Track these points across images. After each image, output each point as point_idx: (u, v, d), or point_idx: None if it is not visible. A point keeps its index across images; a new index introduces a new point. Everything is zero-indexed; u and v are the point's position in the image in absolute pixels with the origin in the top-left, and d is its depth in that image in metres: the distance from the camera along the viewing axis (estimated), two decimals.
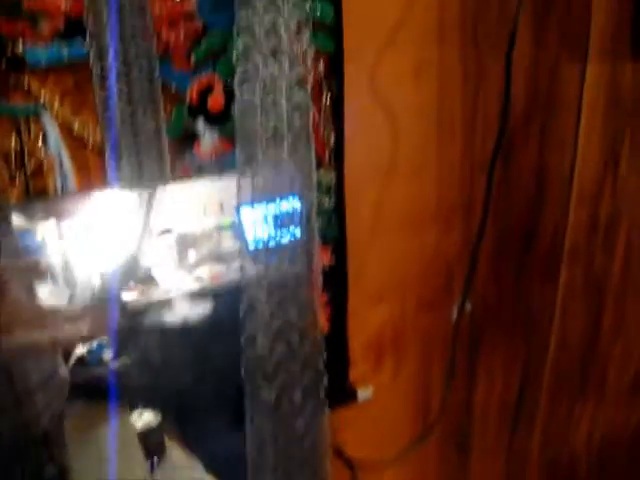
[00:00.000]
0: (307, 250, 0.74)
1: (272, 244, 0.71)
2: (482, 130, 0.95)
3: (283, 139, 0.70)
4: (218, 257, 0.81)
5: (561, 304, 1.00)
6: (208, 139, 0.79)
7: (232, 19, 0.73)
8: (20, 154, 0.72)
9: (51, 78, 0.70)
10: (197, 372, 0.79)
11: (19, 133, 0.71)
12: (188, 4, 0.73)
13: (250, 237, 0.72)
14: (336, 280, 0.89)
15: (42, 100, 0.71)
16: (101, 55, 0.71)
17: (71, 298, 0.74)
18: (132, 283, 0.78)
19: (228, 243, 0.82)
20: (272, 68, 0.67)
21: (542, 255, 1.04)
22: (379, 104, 0.89)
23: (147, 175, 0.77)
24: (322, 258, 0.85)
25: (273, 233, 0.72)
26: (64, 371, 0.57)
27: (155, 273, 0.79)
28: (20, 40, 0.68)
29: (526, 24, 0.90)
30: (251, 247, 0.72)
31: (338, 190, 0.84)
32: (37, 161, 0.73)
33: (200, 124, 0.78)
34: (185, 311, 0.80)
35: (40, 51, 0.69)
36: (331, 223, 0.87)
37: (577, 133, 0.95)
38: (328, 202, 0.85)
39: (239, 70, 0.64)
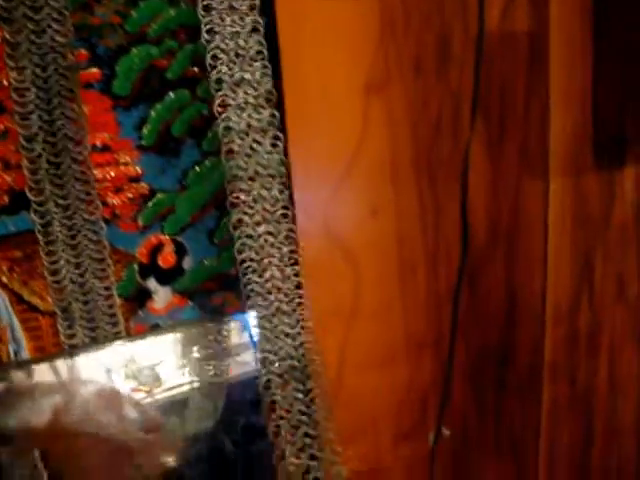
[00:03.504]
0: None
1: None
2: (445, 260, 0.95)
3: None
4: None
5: (547, 420, 0.96)
6: (162, 296, 0.79)
7: (178, 182, 0.74)
8: None
9: None
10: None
11: None
12: (133, 170, 0.75)
13: None
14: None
15: None
16: (46, 226, 0.72)
17: None
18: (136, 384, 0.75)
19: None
20: None
21: (521, 373, 1.02)
22: (336, 247, 0.88)
23: (100, 336, 0.76)
24: None
25: None
26: None
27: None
28: None
29: (482, 151, 0.91)
30: None
31: None
32: None
33: (152, 282, 0.78)
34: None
35: None
36: None
37: (546, 250, 0.95)
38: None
39: None
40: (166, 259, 0.78)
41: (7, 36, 0.69)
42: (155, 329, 0.80)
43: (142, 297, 0.79)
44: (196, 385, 0.80)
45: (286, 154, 0.81)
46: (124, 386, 0.77)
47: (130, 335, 0.79)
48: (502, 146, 0.95)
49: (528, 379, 1.03)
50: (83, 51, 0.72)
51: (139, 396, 0.77)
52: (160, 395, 0.79)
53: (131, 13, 0.74)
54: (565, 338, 1.00)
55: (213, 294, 0.81)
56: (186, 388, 0.80)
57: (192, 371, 0.80)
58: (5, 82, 0.71)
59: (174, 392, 0.79)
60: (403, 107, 0.87)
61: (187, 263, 0.79)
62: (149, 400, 0.78)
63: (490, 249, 0.97)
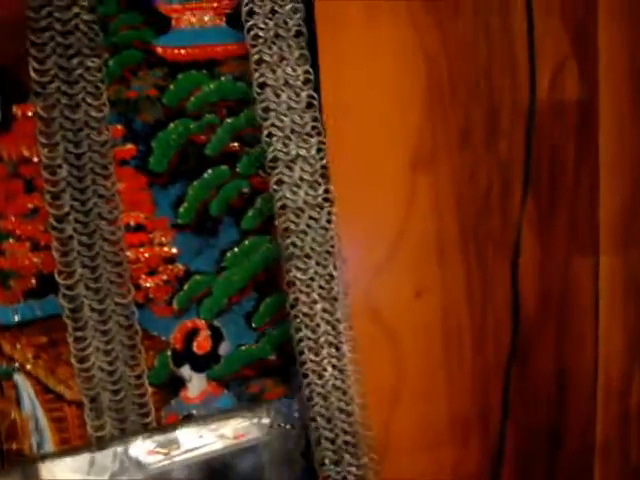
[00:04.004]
0: None
1: None
2: (493, 338, 0.90)
3: None
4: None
5: None
6: (196, 384, 0.74)
7: (216, 263, 0.70)
8: None
9: (23, 337, 0.67)
10: None
11: None
12: (168, 250, 0.70)
13: None
14: None
15: (14, 360, 0.67)
16: (75, 311, 0.67)
17: None
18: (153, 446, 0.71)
19: None
20: None
21: (572, 454, 0.97)
22: (378, 327, 0.83)
23: (130, 427, 0.71)
24: None
25: None
26: None
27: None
28: None
29: (531, 225, 0.87)
30: None
31: None
32: (10, 422, 0.69)
33: (186, 369, 0.73)
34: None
35: (12, 310, 0.66)
36: None
37: (597, 326, 0.92)
38: None
39: None
40: (201, 345, 0.74)
41: (40, 111, 0.65)
42: (188, 420, 0.73)
43: (175, 385, 0.74)
44: (212, 449, 0.76)
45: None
46: (142, 447, 0.73)
47: (161, 426, 0.73)
48: (552, 220, 0.90)
49: (579, 461, 0.99)
50: (118, 126, 0.68)
51: (157, 458, 0.73)
52: (178, 458, 0.74)
53: (169, 86, 0.69)
54: (617, 417, 0.96)
55: (250, 381, 0.76)
56: (204, 450, 0.75)
57: (210, 434, 0.76)
58: (35, 159, 0.67)
59: (192, 454, 0.75)
60: (450, 181, 0.83)
61: (223, 349, 0.75)
62: (167, 462, 0.73)
63: (540, 326, 0.93)
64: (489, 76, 0.84)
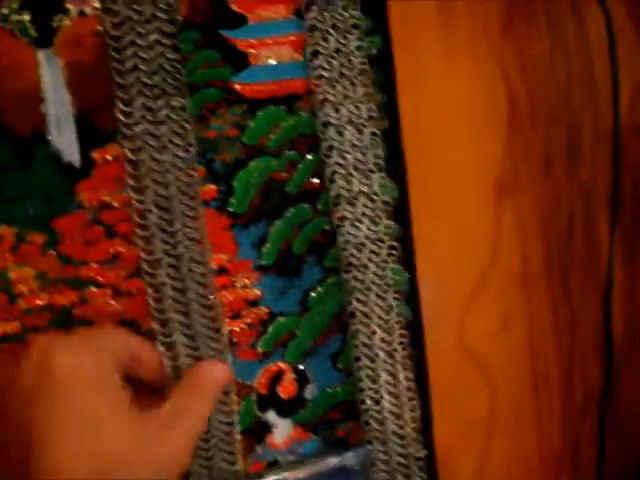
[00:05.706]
0: None
1: None
2: (581, 369, 0.89)
3: None
4: None
5: None
6: (281, 429, 0.71)
7: (300, 303, 0.69)
8: None
9: None
10: None
11: None
12: (252, 293, 0.68)
13: None
14: None
15: None
16: (174, 359, 0.67)
17: None
18: None
19: None
20: None
21: None
22: (470, 362, 0.80)
23: (219, 476, 0.69)
24: None
25: None
26: None
27: None
28: None
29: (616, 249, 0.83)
30: None
31: (429, 463, 0.76)
32: None
33: (271, 414, 0.70)
34: None
35: None
36: None
37: None
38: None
39: None
40: (287, 389, 0.71)
41: (128, 154, 0.63)
42: (274, 467, 0.71)
43: (260, 431, 0.71)
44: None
45: (414, 268, 0.76)
46: None
47: (248, 475, 0.70)
48: (636, 244, 0.86)
49: None
50: (199, 167, 0.66)
51: None
52: None
53: (249, 124, 0.67)
54: None
55: (337, 425, 0.73)
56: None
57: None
58: (115, 204, 0.65)
59: None
60: (533, 210, 0.80)
61: (309, 392, 0.72)
62: None
63: (629, 358, 0.88)
64: (569, 98, 0.81)
